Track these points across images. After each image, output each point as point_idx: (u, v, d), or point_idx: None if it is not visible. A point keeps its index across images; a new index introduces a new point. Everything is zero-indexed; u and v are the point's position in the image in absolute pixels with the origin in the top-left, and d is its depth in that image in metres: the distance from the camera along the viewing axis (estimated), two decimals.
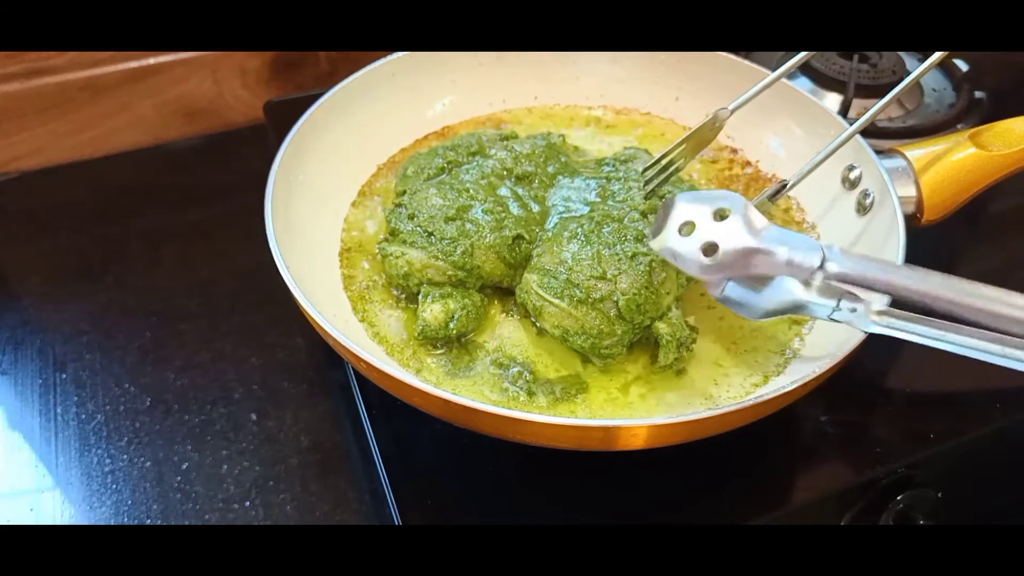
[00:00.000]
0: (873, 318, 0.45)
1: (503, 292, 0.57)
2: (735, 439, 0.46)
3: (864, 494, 0.53)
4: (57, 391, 0.61)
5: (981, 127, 0.59)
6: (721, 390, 0.52)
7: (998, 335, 0.42)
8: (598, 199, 0.57)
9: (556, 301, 0.51)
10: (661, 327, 0.51)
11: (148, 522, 0.54)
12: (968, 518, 0.59)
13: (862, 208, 0.58)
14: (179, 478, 0.56)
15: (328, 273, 0.58)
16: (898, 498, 0.52)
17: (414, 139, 0.69)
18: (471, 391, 0.52)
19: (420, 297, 0.54)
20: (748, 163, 0.68)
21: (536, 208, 0.58)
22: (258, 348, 0.64)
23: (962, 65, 0.78)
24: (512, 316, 0.56)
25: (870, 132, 0.70)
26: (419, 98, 0.70)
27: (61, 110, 0.78)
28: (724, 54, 0.67)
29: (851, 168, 0.60)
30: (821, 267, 0.43)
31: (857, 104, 0.73)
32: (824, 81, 0.76)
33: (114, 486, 0.56)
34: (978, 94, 0.76)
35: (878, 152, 0.58)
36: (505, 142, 0.62)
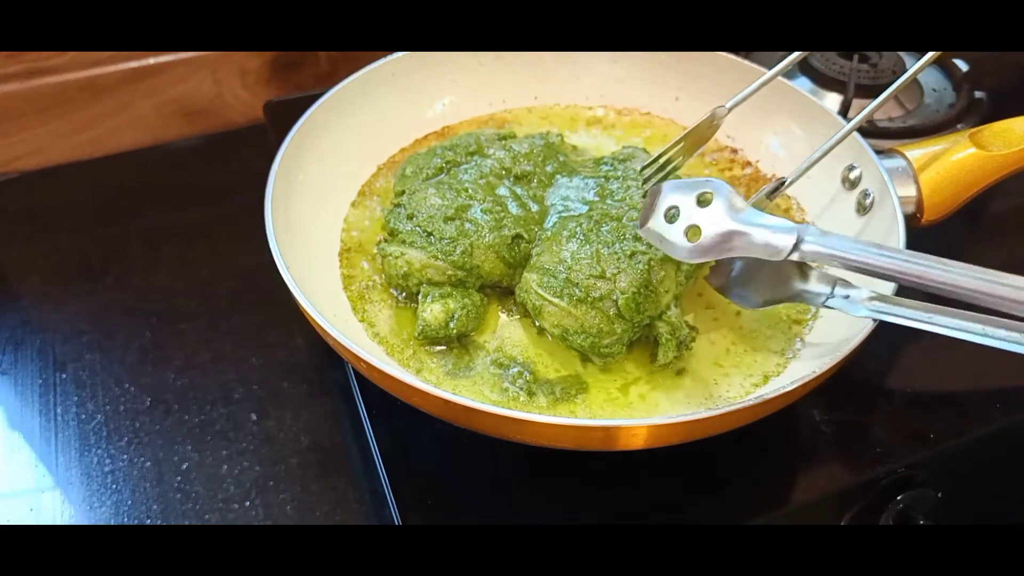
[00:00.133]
0: (864, 303, 0.48)
1: (503, 292, 0.57)
2: (735, 439, 0.46)
3: (864, 494, 0.53)
4: (57, 391, 0.61)
5: (981, 127, 0.59)
6: (721, 390, 0.52)
7: (981, 315, 0.44)
8: (597, 198, 0.57)
9: (555, 300, 0.51)
10: (660, 326, 0.51)
11: (148, 522, 0.54)
12: (968, 518, 0.59)
13: (862, 208, 0.58)
14: (179, 478, 0.56)
15: (328, 273, 0.58)
16: (898, 498, 0.53)
17: (414, 139, 0.69)
18: (471, 391, 0.52)
19: (420, 297, 0.54)
20: (748, 163, 0.68)
21: (535, 207, 0.58)
22: (258, 348, 0.64)
23: (962, 65, 0.78)
24: (512, 316, 0.56)
25: (870, 132, 0.70)
26: (419, 98, 0.70)
27: (61, 110, 0.78)
28: (724, 54, 0.67)
29: (851, 168, 0.60)
30: (796, 247, 0.45)
31: (857, 104, 0.73)
32: (824, 81, 0.76)
33: (114, 486, 0.56)
34: (978, 94, 0.76)
35: (878, 152, 0.58)
36: (503, 142, 0.62)
